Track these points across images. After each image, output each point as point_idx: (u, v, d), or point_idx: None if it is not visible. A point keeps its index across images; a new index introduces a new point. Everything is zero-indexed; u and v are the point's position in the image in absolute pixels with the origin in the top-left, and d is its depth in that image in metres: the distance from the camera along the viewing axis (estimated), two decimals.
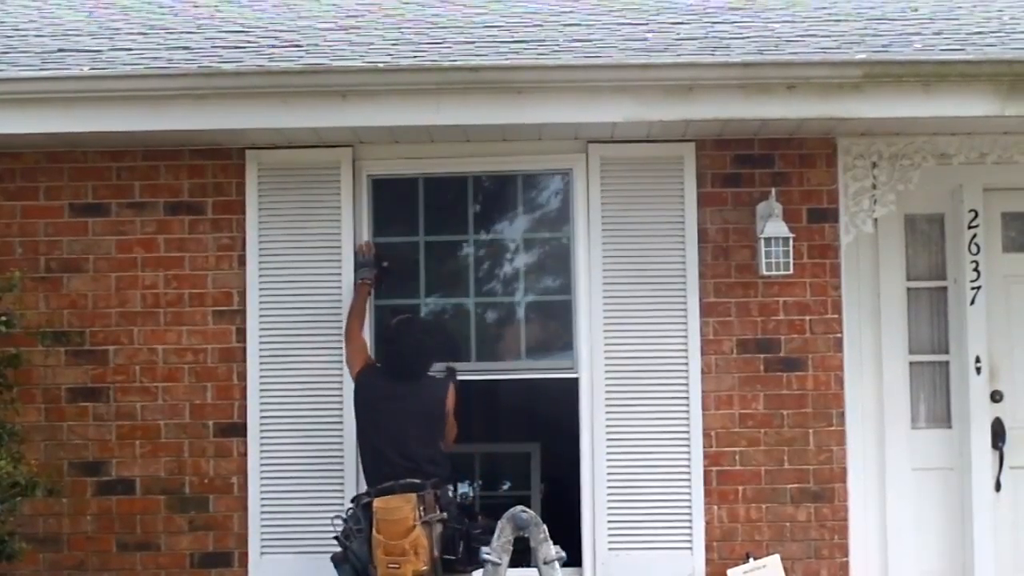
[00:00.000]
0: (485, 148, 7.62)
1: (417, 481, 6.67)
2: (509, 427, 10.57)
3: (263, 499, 7.48)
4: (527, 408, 10.38)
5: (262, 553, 7.46)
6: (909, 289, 7.80)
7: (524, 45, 7.64)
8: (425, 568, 6.58)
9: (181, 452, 7.52)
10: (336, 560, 6.80)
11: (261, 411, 7.50)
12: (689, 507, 7.45)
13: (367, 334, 7.54)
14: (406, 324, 7.13)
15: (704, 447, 7.47)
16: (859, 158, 7.60)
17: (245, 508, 7.48)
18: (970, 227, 7.67)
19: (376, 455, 6.84)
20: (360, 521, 6.73)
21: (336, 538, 6.81)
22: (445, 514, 6.69)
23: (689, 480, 7.46)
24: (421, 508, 6.61)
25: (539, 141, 7.60)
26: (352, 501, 6.93)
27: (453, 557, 6.67)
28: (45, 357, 7.53)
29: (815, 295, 7.54)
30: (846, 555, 7.47)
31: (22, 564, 7.13)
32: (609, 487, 7.46)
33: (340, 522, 6.83)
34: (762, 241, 7.33)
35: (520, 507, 6.70)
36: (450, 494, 6.82)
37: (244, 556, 7.47)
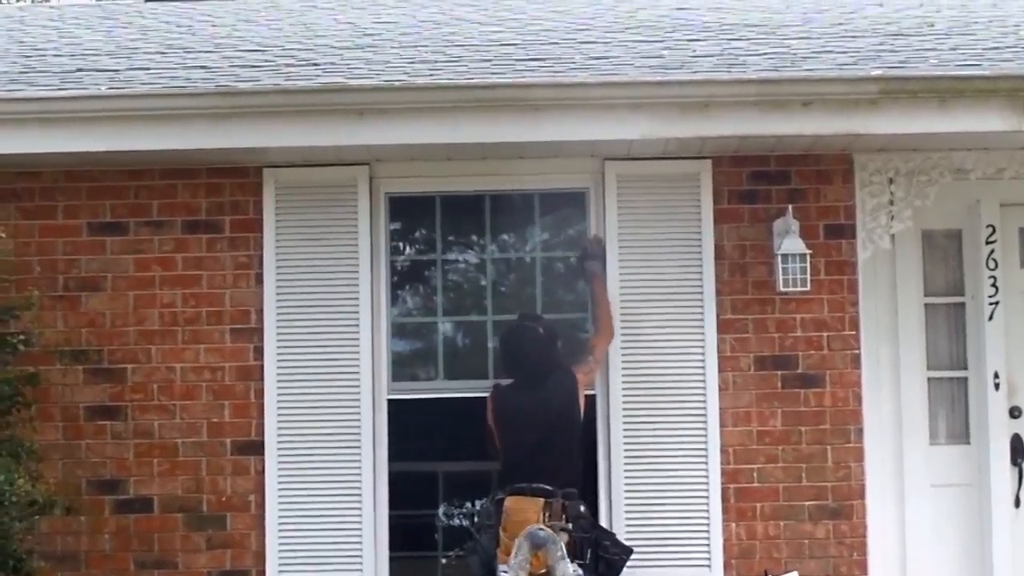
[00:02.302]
0: (502, 166, 7.62)
1: (549, 488, 6.76)
2: None
3: (281, 517, 7.47)
4: None
5: (280, 571, 7.45)
6: (927, 305, 7.77)
7: (540, 63, 7.65)
8: (544, 572, 6.62)
9: (199, 470, 7.52)
10: (467, 551, 6.99)
11: (279, 429, 7.51)
12: (707, 524, 7.43)
13: (384, 351, 7.57)
14: (520, 329, 7.16)
15: (722, 464, 7.46)
16: (876, 174, 7.59)
17: (263, 526, 7.48)
18: (988, 243, 7.65)
19: (515, 459, 6.93)
20: (491, 517, 6.88)
21: (468, 530, 6.92)
22: (571, 525, 6.75)
23: (707, 497, 7.44)
24: (547, 514, 6.72)
25: (556, 159, 7.61)
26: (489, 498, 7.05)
27: (583, 562, 6.72)
28: (63, 375, 7.55)
29: (832, 311, 7.52)
30: (865, 572, 7.44)
31: None
32: (627, 504, 7.44)
33: (474, 515, 6.95)
34: (779, 257, 7.32)
35: (537, 525, 6.70)
36: (581, 508, 6.85)
37: (261, 574, 7.46)
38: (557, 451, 6.90)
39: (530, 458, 6.85)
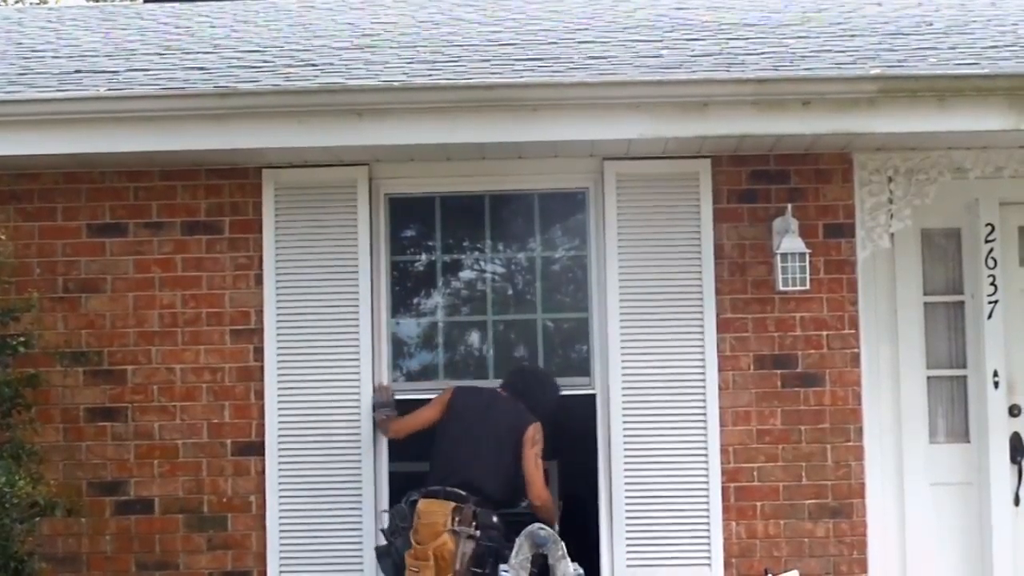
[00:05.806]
0: (501, 166, 7.63)
1: (462, 493, 6.76)
2: None
3: (281, 518, 7.48)
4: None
5: (281, 572, 7.45)
6: (926, 304, 7.78)
7: (539, 63, 7.66)
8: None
9: (199, 471, 7.53)
10: (380, 552, 6.96)
11: (279, 430, 7.51)
12: (707, 523, 7.44)
13: (384, 351, 7.58)
14: (536, 379, 7.35)
15: (722, 463, 7.46)
16: (875, 173, 7.60)
17: (263, 527, 7.48)
18: (987, 241, 7.66)
19: (443, 460, 6.96)
20: (406, 518, 6.86)
21: (383, 531, 6.98)
22: (479, 532, 6.74)
23: (707, 496, 7.45)
24: (456, 518, 6.70)
25: (555, 159, 7.61)
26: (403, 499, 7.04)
27: (480, 571, 6.73)
28: (63, 377, 7.55)
29: (832, 310, 7.53)
30: (865, 571, 7.44)
31: None
32: (627, 504, 7.45)
33: (387, 516, 7.00)
34: (778, 257, 7.32)
35: (538, 524, 6.70)
36: (494, 519, 6.84)
37: (262, 575, 7.47)
38: (487, 460, 6.91)
39: (461, 457, 6.88)
